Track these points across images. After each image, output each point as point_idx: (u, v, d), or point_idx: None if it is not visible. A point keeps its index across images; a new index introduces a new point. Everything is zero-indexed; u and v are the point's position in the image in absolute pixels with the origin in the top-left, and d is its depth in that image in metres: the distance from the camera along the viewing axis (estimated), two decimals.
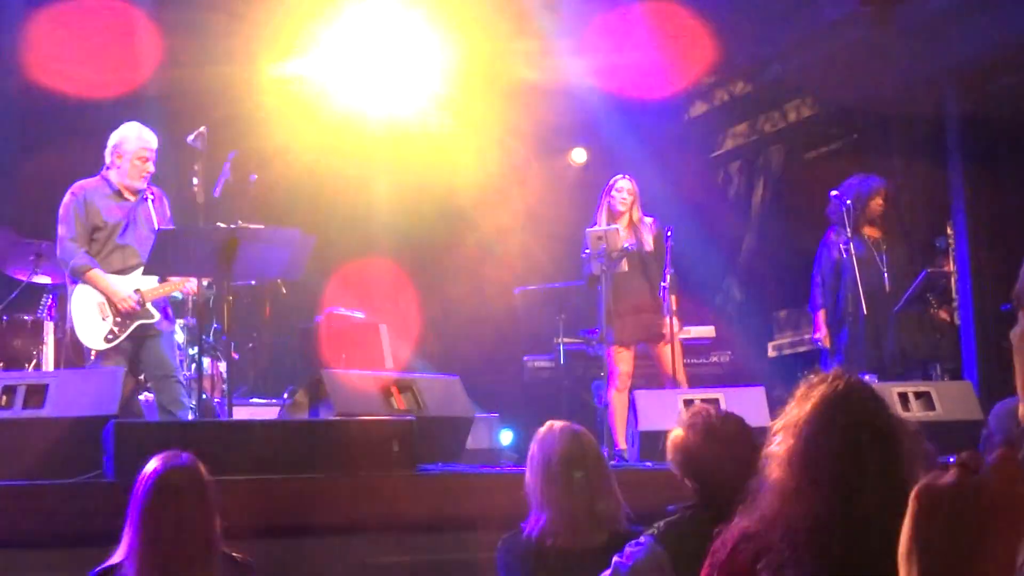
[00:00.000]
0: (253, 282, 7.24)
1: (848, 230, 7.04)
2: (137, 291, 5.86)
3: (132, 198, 5.97)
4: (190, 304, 7.09)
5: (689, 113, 10.10)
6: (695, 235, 8.50)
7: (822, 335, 7.21)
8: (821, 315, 7.24)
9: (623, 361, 6.91)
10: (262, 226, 5.80)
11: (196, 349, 6.37)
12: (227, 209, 6.50)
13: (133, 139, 5.95)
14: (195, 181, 5.94)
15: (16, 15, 8.71)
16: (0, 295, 7.11)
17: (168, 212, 6.18)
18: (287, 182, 9.30)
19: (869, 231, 7.19)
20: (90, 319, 5.80)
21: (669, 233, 6.99)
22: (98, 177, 6.00)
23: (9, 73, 8.80)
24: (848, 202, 7.09)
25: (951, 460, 1.04)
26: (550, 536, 3.24)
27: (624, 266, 7.06)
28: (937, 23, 7.67)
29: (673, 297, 6.96)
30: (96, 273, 5.80)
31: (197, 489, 2.87)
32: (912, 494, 1.02)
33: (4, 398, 4.51)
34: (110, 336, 5.79)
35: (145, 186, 5.97)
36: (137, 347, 5.88)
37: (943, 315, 7.41)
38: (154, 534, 2.81)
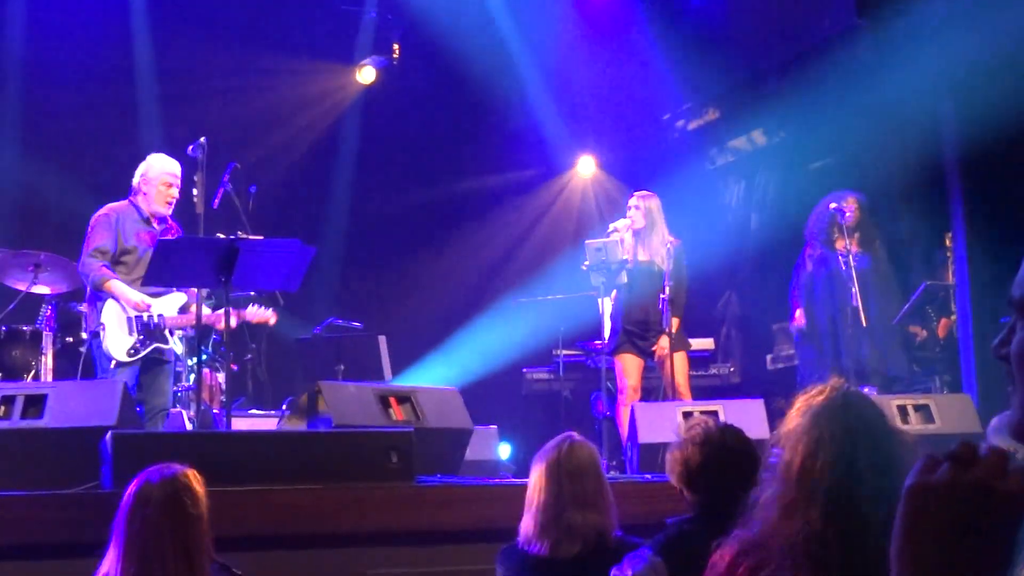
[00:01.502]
0: (252, 293, 7.25)
1: (820, 245, 7.06)
2: (161, 316, 6.10)
3: (157, 227, 6.26)
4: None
5: (688, 126, 10.11)
6: (694, 248, 8.50)
7: (800, 322, 7.20)
8: (799, 311, 7.23)
9: (627, 374, 6.91)
10: (261, 237, 5.81)
11: (195, 360, 6.38)
12: (226, 220, 6.52)
13: (157, 167, 6.31)
14: (195, 192, 5.99)
15: (16, 26, 8.74)
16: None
17: None
18: (287, 193, 9.32)
19: (843, 246, 7.14)
20: (119, 330, 6.03)
21: (668, 246, 6.99)
22: (127, 202, 6.30)
23: (8, 84, 8.83)
24: (816, 218, 7.12)
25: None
26: (527, 543, 3.25)
27: (623, 278, 7.05)
28: (935, 35, 7.68)
29: (675, 320, 6.95)
30: (116, 283, 6.04)
31: (173, 501, 2.87)
32: (904, 492, 1.02)
33: (2, 408, 4.50)
34: (132, 351, 6.04)
35: (170, 212, 6.29)
36: (143, 371, 6.10)
37: (923, 331, 7.39)
38: (129, 546, 2.82)
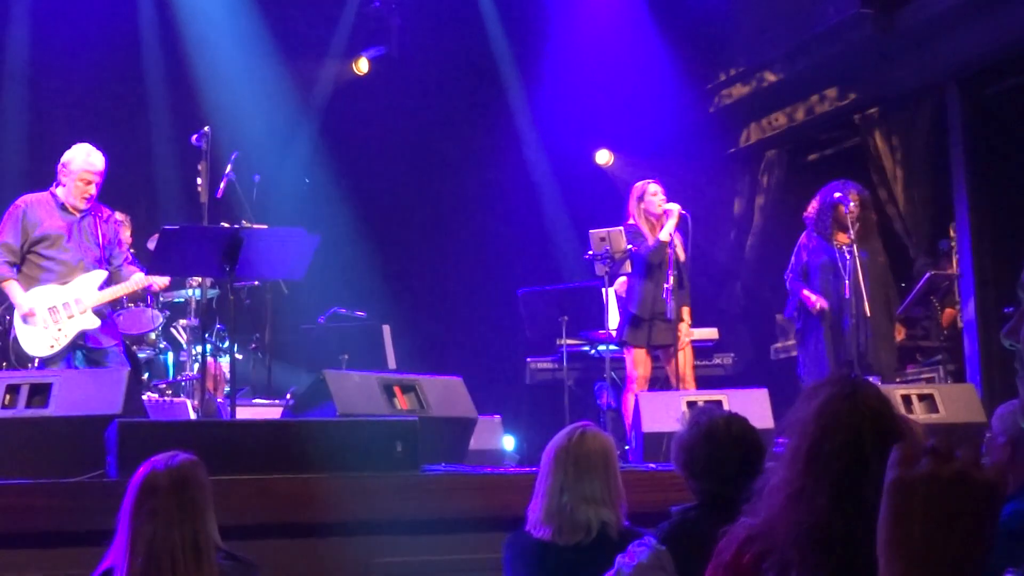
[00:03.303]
0: (256, 282, 7.26)
1: (817, 235, 6.99)
2: (78, 300, 5.88)
3: (76, 214, 6.02)
4: (193, 305, 7.11)
5: (693, 116, 10.09)
6: (698, 238, 8.49)
7: (821, 302, 6.84)
8: (814, 295, 6.90)
9: (641, 364, 6.89)
10: (265, 226, 5.81)
11: (199, 348, 6.38)
12: (230, 209, 6.52)
13: (79, 160, 6.01)
14: (199, 181, 5.97)
15: (22, 18, 8.75)
16: (0, 296, 7.14)
17: (120, 233, 6.25)
18: (291, 182, 9.32)
19: (839, 237, 7.01)
20: (34, 327, 5.84)
21: (676, 237, 6.99)
22: (47, 192, 6.06)
23: (14, 75, 8.83)
24: (817, 207, 7.04)
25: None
26: (533, 527, 3.25)
27: (627, 267, 7.05)
28: (939, 25, 7.67)
29: (686, 308, 6.95)
30: (11, 284, 5.87)
31: (179, 490, 2.87)
32: (887, 486, 1.07)
33: (8, 397, 4.51)
34: (53, 343, 5.83)
35: (86, 206, 6.02)
36: (90, 363, 5.91)
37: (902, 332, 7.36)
38: (135, 534, 2.82)
